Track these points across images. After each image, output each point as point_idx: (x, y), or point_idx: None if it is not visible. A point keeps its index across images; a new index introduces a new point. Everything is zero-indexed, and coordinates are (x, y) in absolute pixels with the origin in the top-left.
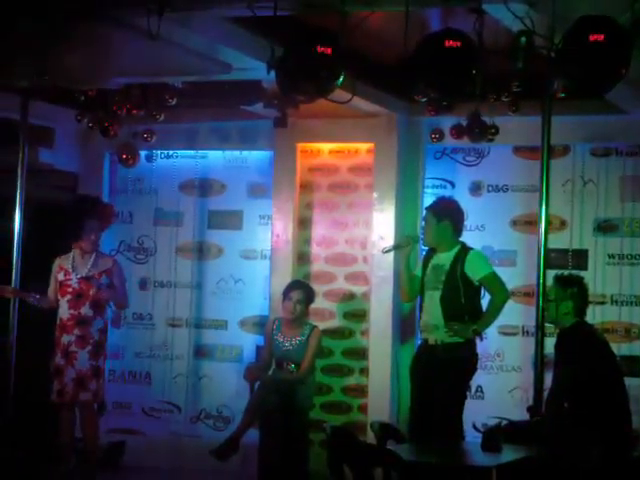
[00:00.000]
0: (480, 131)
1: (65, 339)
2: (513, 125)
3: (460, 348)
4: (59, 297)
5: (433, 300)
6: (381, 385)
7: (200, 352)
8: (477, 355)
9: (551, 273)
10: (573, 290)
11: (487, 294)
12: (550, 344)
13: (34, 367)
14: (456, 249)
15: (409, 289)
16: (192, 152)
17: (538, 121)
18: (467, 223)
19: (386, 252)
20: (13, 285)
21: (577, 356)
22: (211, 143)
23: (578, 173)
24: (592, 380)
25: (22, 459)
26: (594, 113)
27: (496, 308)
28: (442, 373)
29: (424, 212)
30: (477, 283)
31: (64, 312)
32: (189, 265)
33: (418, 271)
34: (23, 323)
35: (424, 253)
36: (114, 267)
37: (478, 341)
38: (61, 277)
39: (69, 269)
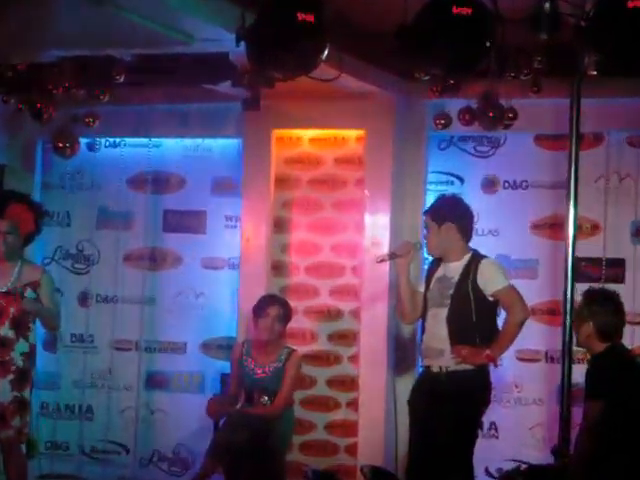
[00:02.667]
0: (495, 116)
1: None
2: (535, 109)
3: (470, 377)
4: None
5: (438, 319)
6: (373, 421)
7: (153, 381)
8: (490, 385)
9: (581, 287)
10: (595, 308)
11: (503, 312)
12: (580, 372)
13: None
14: (466, 258)
15: (410, 308)
16: (144, 140)
17: (565, 104)
18: (478, 227)
19: (381, 262)
20: None
21: (609, 387)
22: (167, 129)
23: (613, 167)
24: (628, 417)
25: None
26: (633, 95)
27: (514, 329)
28: (448, 407)
29: (424, 214)
30: (491, 298)
31: None
32: (140, 276)
33: (421, 286)
34: None
35: (428, 264)
36: (42, 279)
37: (492, 368)
38: None
39: None
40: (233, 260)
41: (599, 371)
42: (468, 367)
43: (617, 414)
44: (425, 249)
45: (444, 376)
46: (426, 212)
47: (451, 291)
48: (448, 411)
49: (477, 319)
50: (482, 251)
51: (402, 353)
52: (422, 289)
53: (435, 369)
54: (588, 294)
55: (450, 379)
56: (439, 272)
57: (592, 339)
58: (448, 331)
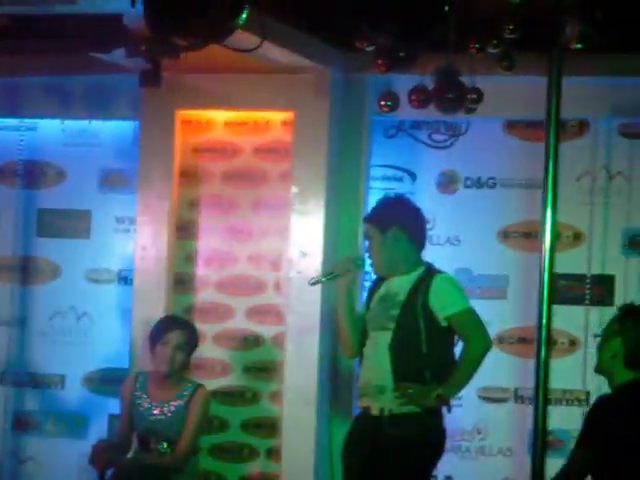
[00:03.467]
0: (455, 97)
1: None
2: (504, 89)
3: (418, 422)
4: None
5: (378, 346)
6: (300, 475)
7: (22, 423)
8: (444, 432)
9: (559, 310)
10: (630, 324)
11: (460, 340)
12: (557, 415)
13: None
14: (417, 273)
15: (355, 338)
16: (14, 121)
17: (542, 84)
18: (433, 233)
19: (315, 284)
20: None
21: (618, 437)
22: (44, 108)
23: (601, 162)
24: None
25: None
26: (624, 74)
27: (473, 362)
28: (391, 459)
29: (363, 221)
30: (445, 323)
31: None
32: (7, 292)
33: (361, 308)
34: None
35: (370, 282)
36: None
37: (445, 412)
38: None
39: None
40: (125, 273)
41: (613, 411)
42: (415, 410)
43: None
44: (370, 266)
45: (386, 420)
46: (367, 218)
47: (396, 311)
48: (392, 464)
49: (428, 349)
50: (437, 265)
51: (336, 390)
52: (363, 311)
53: (375, 411)
54: (625, 307)
55: (394, 424)
56: (382, 289)
57: (617, 362)
58: (391, 363)
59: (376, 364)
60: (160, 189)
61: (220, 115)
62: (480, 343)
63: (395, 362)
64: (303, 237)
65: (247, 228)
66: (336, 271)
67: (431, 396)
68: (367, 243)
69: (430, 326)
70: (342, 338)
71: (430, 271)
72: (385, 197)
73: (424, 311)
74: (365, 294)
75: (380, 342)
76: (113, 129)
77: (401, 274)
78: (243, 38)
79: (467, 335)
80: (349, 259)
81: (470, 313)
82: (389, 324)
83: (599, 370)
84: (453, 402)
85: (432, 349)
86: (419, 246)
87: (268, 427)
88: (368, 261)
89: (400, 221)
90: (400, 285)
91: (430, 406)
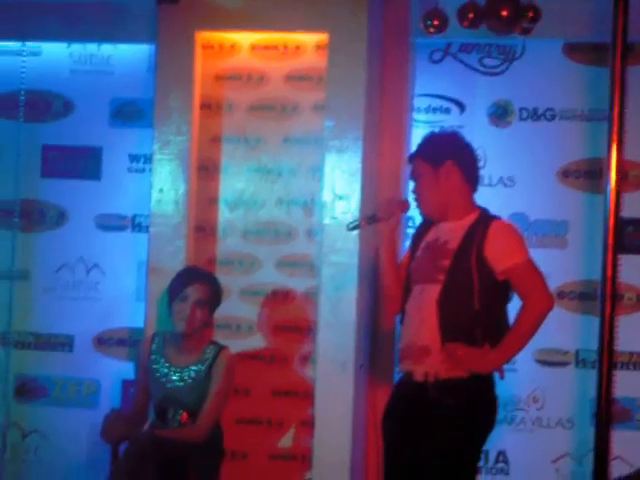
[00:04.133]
0: (509, 15)
1: None
2: (565, 6)
3: (467, 389)
4: None
5: (425, 301)
6: (334, 447)
7: (25, 390)
8: (496, 400)
9: (627, 260)
10: None
11: (517, 296)
12: (625, 382)
13: None
14: (470, 218)
15: (397, 292)
16: (15, 45)
17: (606, 1)
18: (484, 173)
19: (354, 229)
20: None
21: None
22: (48, 30)
23: None
24: None
25: None
26: None
27: (532, 322)
28: (436, 429)
29: (409, 159)
30: (501, 277)
31: None
32: (7, 240)
33: (404, 255)
34: None
35: (415, 228)
36: None
37: (497, 377)
38: None
39: None
40: (140, 218)
41: None
42: (465, 375)
43: None
44: (418, 208)
45: (431, 387)
46: (414, 155)
47: (447, 262)
48: (437, 437)
49: (481, 306)
50: (492, 209)
51: (376, 353)
52: (406, 259)
53: (419, 376)
54: None
55: (440, 391)
56: (430, 235)
57: None
58: (439, 320)
59: (421, 321)
60: (179, 123)
61: (245, 38)
62: (541, 301)
63: (443, 319)
64: (339, 178)
65: (276, 167)
66: (378, 214)
67: (483, 360)
68: (414, 183)
69: (485, 280)
70: (385, 292)
71: (485, 217)
72: (433, 132)
73: (479, 262)
74: (409, 241)
75: (426, 296)
76: (126, 54)
77: (453, 219)
78: None
79: (526, 291)
80: (393, 201)
81: (531, 266)
82: (438, 276)
83: None
84: (506, 367)
85: (486, 306)
86: (474, 187)
87: (300, 395)
88: (414, 204)
89: (455, 156)
90: (451, 231)
91: (481, 371)
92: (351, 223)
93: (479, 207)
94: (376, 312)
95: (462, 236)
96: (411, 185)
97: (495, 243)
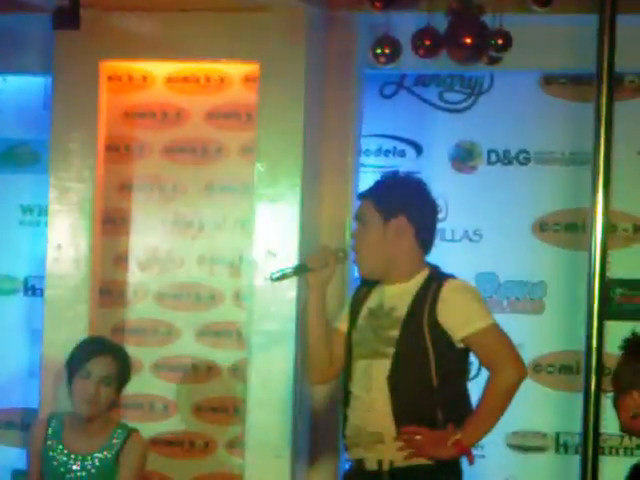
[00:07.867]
0: (475, 42)
1: None
2: (540, 33)
3: (429, 478)
4: None
5: (372, 381)
6: None
7: None
8: None
9: (615, 328)
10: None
11: (483, 369)
12: (612, 469)
13: None
14: (418, 279)
15: (325, 356)
16: None
17: (590, 27)
18: (444, 226)
19: (278, 279)
20: None
21: None
22: None
23: None
24: None
25: None
26: None
27: (501, 398)
28: None
29: (358, 203)
30: (461, 346)
31: None
32: None
33: (342, 322)
34: None
35: (354, 290)
36: None
37: (465, 464)
38: None
39: None
40: (34, 280)
41: None
42: (425, 462)
43: None
44: (355, 262)
45: (386, 476)
46: (365, 195)
47: (395, 332)
48: None
49: (439, 381)
50: (452, 268)
51: (317, 438)
52: (344, 326)
53: (371, 465)
54: (631, 343)
55: None
56: (371, 300)
57: None
58: (391, 401)
59: (370, 404)
60: (80, 168)
61: (160, 68)
62: (510, 371)
63: (396, 400)
64: (272, 232)
65: (197, 220)
66: (309, 264)
67: (446, 444)
68: (357, 227)
69: (441, 350)
70: (311, 356)
71: (437, 276)
72: (396, 174)
73: (432, 331)
74: (349, 302)
75: (374, 374)
76: (17, 88)
77: (398, 280)
78: None
79: (492, 361)
80: (327, 249)
81: (495, 331)
82: (386, 349)
83: (623, 430)
84: (475, 451)
85: (445, 381)
86: (426, 249)
87: None
88: (353, 256)
89: (411, 212)
90: (397, 296)
91: (445, 457)
92: (275, 273)
93: (429, 265)
94: (315, 390)
95: (410, 301)
96: (354, 229)
97: (450, 307)
